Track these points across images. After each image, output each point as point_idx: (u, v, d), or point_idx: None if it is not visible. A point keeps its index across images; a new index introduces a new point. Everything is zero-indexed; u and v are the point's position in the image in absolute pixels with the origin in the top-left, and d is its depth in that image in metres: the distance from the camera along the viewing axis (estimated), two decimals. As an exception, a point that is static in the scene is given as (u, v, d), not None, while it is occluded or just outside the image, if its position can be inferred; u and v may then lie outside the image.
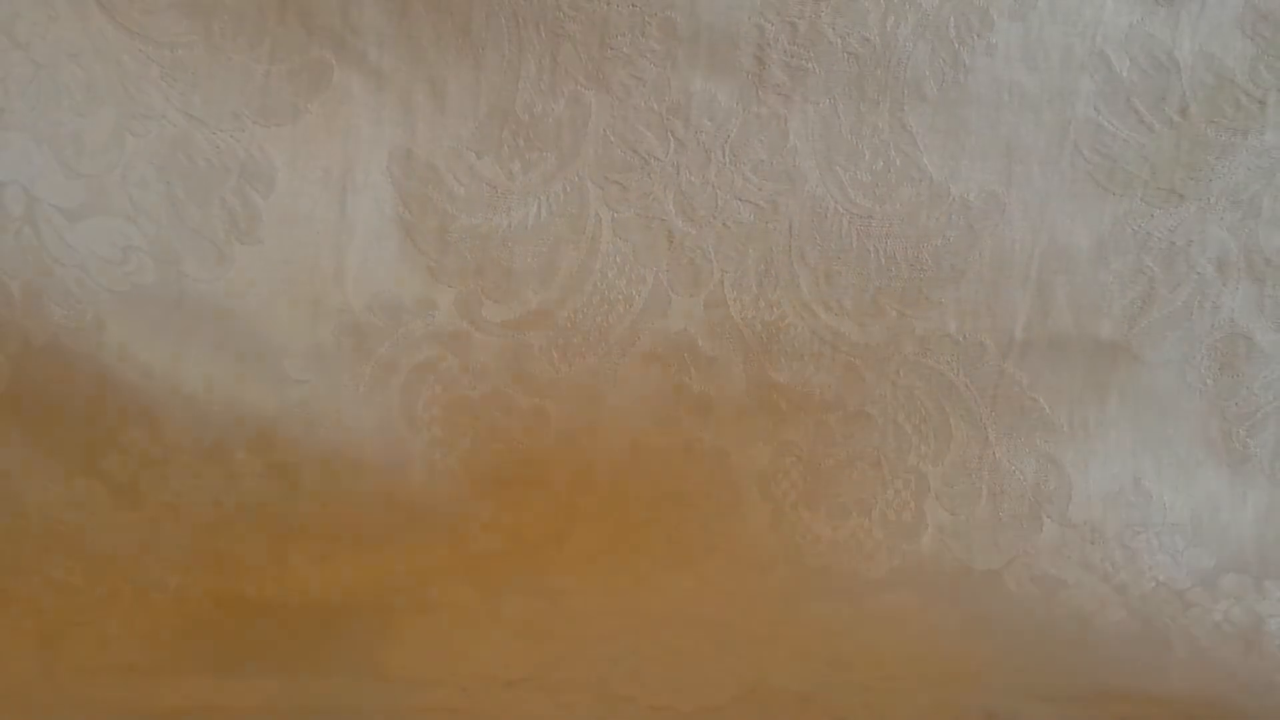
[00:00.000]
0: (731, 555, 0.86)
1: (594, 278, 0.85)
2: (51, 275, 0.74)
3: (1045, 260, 0.87)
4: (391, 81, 0.80)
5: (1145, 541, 0.88)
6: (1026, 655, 0.75)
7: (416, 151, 0.82)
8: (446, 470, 0.85)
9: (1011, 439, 0.89)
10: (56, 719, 0.67)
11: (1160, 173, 0.86)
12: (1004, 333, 0.88)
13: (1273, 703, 0.71)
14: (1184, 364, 0.89)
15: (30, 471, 0.77)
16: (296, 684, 0.69)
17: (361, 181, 0.81)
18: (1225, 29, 0.82)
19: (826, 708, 0.68)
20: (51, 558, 0.77)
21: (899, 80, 0.82)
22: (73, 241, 0.74)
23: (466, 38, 0.79)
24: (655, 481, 0.87)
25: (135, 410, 0.77)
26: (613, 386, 0.87)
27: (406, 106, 0.81)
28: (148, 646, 0.73)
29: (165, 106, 0.76)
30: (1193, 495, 0.90)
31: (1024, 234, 0.86)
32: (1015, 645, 0.76)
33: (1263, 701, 0.71)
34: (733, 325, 0.87)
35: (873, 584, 0.84)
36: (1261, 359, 0.89)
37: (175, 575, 0.78)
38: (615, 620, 0.78)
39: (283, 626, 0.76)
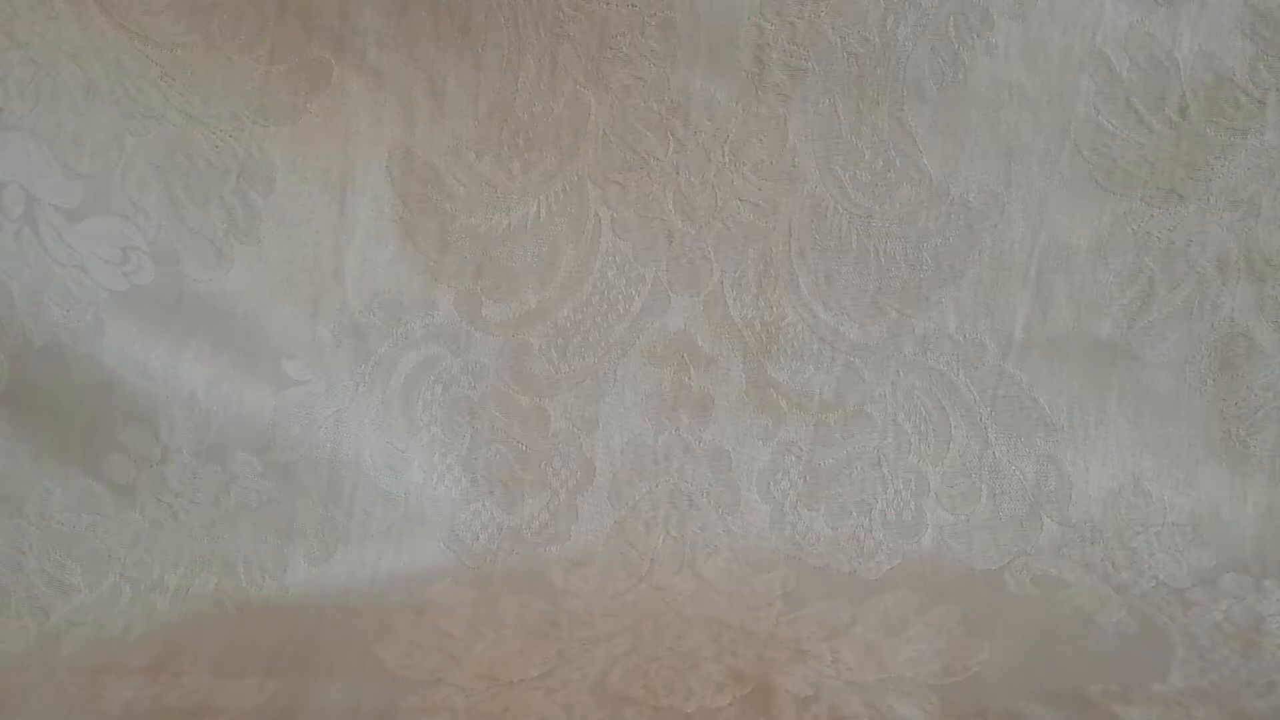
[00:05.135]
0: (731, 555, 0.86)
1: (593, 277, 0.85)
2: (51, 275, 0.74)
3: (1045, 260, 0.87)
4: (391, 81, 0.80)
5: (1145, 541, 0.88)
6: (1026, 655, 0.75)
7: (416, 151, 0.82)
8: (446, 470, 0.85)
9: (1011, 439, 0.89)
10: (56, 719, 0.67)
11: (1160, 172, 0.85)
12: (1004, 332, 0.88)
13: (1273, 703, 0.71)
14: (1184, 364, 0.89)
15: (30, 472, 0.77)
16: (296, 684, 0.69)
17: (361, 181, 0.81)
18: (1225, 29, 0.82)
19: (826, 708, 0.68)
20: (51, 558, 0.77)
21: (899, 80, 0.82)
22: (72, 241, 0.74)
23: (466, 37, 0.79)
24: (655, 481, 0.87)
25: (135, 410, 0.77)
26: (613, 386, 0.87)
27: (406, 106, 0.81)
28: (147, 646, 0.73)
29: (165, 106, 0.76)
30: (1193, 495, 0.90)
31: (1023, 234, 0.86)
32: (1015, 645, 0.76)
33: (1263, 701, 0.71)
34: (732, 325, 0.87)
35: (873, 584, 0.84)
36: (1261, 359, 0.89)
37: (175, 575, 0.79)
38: (615, 620, 0.78)
39: (283, 626, 0.76)
